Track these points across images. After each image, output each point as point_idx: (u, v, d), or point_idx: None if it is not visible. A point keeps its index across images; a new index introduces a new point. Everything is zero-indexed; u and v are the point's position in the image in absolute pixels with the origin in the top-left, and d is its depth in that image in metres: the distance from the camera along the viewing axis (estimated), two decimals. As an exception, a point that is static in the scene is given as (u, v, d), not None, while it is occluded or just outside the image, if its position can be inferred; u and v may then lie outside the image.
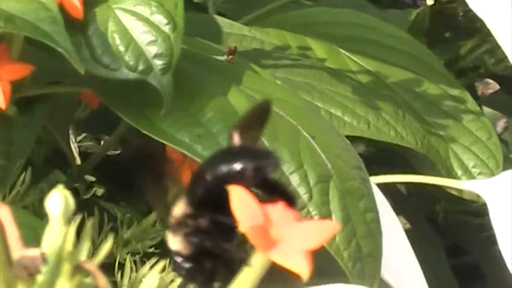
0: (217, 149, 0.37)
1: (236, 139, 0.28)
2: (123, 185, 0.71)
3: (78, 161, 0.67)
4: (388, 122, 0.60)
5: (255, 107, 0.29)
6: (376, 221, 0.48)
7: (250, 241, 0.23)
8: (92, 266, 0.27)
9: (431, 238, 0.97)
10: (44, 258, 0.25)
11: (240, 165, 0.26)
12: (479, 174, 0.63)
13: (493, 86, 1.24)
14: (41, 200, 0.57)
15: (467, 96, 0.66)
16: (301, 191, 0.47)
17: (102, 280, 0.26)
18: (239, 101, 0.49)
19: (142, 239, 0.52)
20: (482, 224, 0.99)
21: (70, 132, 0.66)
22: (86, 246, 0.27)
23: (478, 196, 0.60)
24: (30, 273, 0.24)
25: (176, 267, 0.28)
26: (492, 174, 0.62)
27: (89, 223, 0.27)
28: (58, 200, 0.28)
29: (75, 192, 0.65)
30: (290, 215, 0.24)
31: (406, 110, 0.62)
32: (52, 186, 0.64)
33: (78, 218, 0.27)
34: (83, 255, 0.27)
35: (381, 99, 0.61)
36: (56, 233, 0.28)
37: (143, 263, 0.51)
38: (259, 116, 0.29)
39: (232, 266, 0.27)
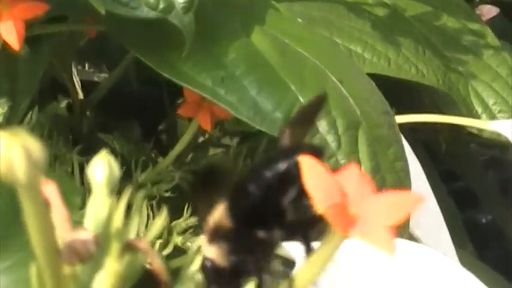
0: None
1: (286, 137, 0.26)
2: (114, 114, 0.68)
3: (81, 95, 0.64)
4: (408, 58, 0.57)
5: (310, 102, 0.26)
6: (405, 169, 0.46)
7: (328, 221, 0.21)
8: (144, 244, 0.24)
9: (427, 166, 0.96)
10: (97, 242, 0.22)
11: (285, 165, 0.23)
12: (499, 112, 0.60)
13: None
14: (42, 135, 0.54)
15: (487, 30, 0.63)
16: (330, 139, 0.44)
17: (157, 260, 0.24)
18: (262, 41, 0.46)
19: (158, 182, 0.50)
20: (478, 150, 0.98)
21: (72, 65, 0.63)
22: (136, 221, 0.25)
23: (499, 135, 0.58)
24: (82, 258, 0.22)
25: (205, 271, 0.25)
26: (512, 111, 0.60)
27: (140, 195, 0.25)
28: (101, 167, 0.26)
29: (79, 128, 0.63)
30: (367, 187, 0.22)
31: (425, 46, 0.59)
32: (51, 119, 0.61)
33: (128, 190, 0.25)
34: (133, 231, 0.25)
35: (400, 35, 0.58)
36: (100, 204, 0.25)
37: (159, 207, 0.49)
38: (312, 110, 0.27)
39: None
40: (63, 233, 0.22)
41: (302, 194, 0.23)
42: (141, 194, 0.25)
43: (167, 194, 0.50)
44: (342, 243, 0.22)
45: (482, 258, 0.77)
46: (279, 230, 0.24)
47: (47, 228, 0.21)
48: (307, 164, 0.21)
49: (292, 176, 0.23)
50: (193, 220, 0.49)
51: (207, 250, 0.25)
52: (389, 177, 0.44)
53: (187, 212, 0.49)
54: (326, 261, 0.23)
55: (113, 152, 0.57)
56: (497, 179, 0.95)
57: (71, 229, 0.22)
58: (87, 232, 0.22)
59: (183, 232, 0.48)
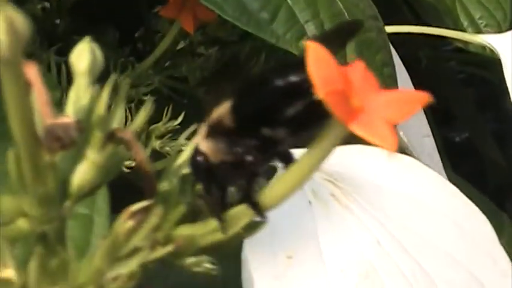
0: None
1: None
2: (90, 18, 0.66)
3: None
4: (395, -34, 0.55)
5: (342, 24, 0.24)
6: (393, 76, 0.44)
7: (328, 108, 0.19)
8: (128, 134, 0.23)
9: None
10: (79, 127, 0.21)
11: (298, 77, 0.22)
12: (485, 26, 0.59)
13: None
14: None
15: None
16: (316, 42, 0.43)
17: (142, 152, 0.23)
18: None
19: (136, 85, 0.48)
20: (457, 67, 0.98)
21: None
22: (120, 111, 0.24)
23: (484, 49, 0.57)
24: (63, 144, 0.21)
25: (194, 164, 0.24)
26: (499, 26, 0.59)
27: (124, 81, 0.24)
28: (85, 54, 0.24)
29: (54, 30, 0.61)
30: (373, 81, 0.21)
31: (414, -46, 0.58)
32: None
33: (113, 78, 0.24)
34: (116, 121, 0.24)
35: None
36: (82, 93, 0.24)
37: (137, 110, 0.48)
38: (342, 34, 0.25)
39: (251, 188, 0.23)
40: (44, 118, 0.21)
41: (309, 109, 0.22)
42: (126, 81, 0.24)
43: (146, 98, 0.49)
44: (340, 139, 0.21)
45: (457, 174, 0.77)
46: (278, 137, 0.23)
47: (28, 109, 0.20)
48: (313, 50, 0.20)
49: (304, 90, 0.21)
50: (172, 125, 0.48)
51: (202, 143, 0.24)
52: (376, 83, 0.43)
53: (166, 116, 0.48)
54: (322, 157, 0.22)
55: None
56: (475, 97, 0.95)
57: (52, 114, 0.21)
58: (69, 117, 0.21)
59: (161, 137, 0.47)
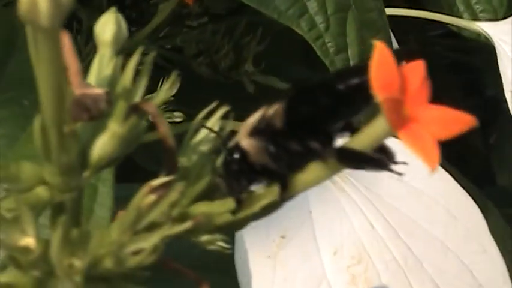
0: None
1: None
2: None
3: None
4: None
5: (410, 49, 0.24)
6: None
7: (383, 112, 0.20)
8: (152, 107, 0.23)
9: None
10: (108, 99, 0.21)
11: (358, 80, 0.22)
12: (482, 11, 0.59)
13: None
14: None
15: None
16: (318, 20, 0.43)
17: (164, 125, 0.23)
18: None
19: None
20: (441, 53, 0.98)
21: None
22: (143, 83, 0.24)
23: (479, 35, 0.57)
24: (91, 115, 0.20)
25: (231, 159, 0.24)
26: (495, 12, 0.59)
27: (150, 55, 0.23)
28: (109, 24, 0.24)
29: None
30: (427, 92, 0.21)
31: None
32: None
33: (139, 50, 0.23)
34: (139, 94, 0.24)
35: None
36: (105, 63, 0.24)
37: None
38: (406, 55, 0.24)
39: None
40: (74, 87, 0.20)
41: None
42: (152, 54, 0.23)
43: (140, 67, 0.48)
44: (382, 140, 0.21)
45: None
46: (325, 146, 0.23)
47: (60, 78, 0.19)
48: (380, 50, 0.20)
49: (363, 95, 0.21)
50: (167, 95, 0.47)
51: (244, 140, 0.23)
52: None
53: (161, 87, 0.47)
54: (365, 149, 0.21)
55: (80, 23, 0.55)
56: (460, 83, 0.95)
57: (82, 84, 0.20)
58: (99, 89, 0.21)
59: (158, 106, 0.47)
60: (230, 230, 0.24)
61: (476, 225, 0.41)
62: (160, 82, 0.48)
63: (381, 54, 0.19)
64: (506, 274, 0.41)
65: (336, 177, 0.40)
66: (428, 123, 0.20)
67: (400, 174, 0.22)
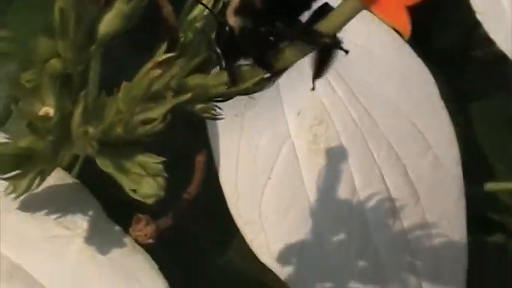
0: None
1: None
2: None
3: None
4: None
5: None
6: None
7: None
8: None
9: None
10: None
11: None
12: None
13: None
14: None
15: None
16: None
17: (167, 4, 0.25)
18: None
19: None
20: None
21: None
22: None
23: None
24: (108, 1, 0.23)
25: (220, 34, 0.26)
26: None
27: None
28: None
29: None
30: None
31: None
32: None
33: None
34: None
35: None
36: None
37: None
38: None
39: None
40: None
41: None
42: None
43: None
44: (355, 15, 0.24)
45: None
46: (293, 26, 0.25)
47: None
48: None
49: None
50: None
51: (230, 18, 0.25)
52: None
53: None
54: (338, 27, 0.24)
55: None
56: None
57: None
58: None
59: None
60: (225, 99, 0.27)
61: (428, 90, 0.44)
62: None
63: None
64: (454, 137, 0.44)
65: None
66: None
67: (347, 52, 0.25)
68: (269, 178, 0.41)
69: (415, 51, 0.45)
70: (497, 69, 0.51)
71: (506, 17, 0.52)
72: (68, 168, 0.31)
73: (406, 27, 0.22)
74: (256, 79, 0.25)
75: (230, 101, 0.41)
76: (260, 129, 0.41)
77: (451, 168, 0.44)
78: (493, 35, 0.52)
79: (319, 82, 0.42)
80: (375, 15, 0.22)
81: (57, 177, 0.30)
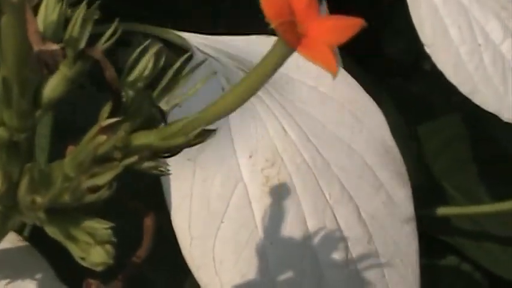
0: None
1: None
2: None
3: None
4: None
5: None
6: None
7: (280, 36, 0.23)
8: (99, 52, 0.25)
9: None
10: (65, 54, 0.23)
11: None
12: None
13: None
14: None
15: None
16: None
17: (111, 68, 0.25)
18: None
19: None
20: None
21: None
22: (88, 29, 0.26)
23: None
24: (50, 70, 0.23)
25: None
26: None
27: (95, 5, 0.25)
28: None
29: None
30: (314, 10, 0.24)
31: None
32: None
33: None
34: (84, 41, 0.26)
35: None
36: (50, 10, 0.26)
37: None
38: None
39: None
40: (34, 44, 0.22)
41: None
42: (96, 4, 0.25)
43: None
44: (286, 59, 0.24)
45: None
46: None
47: (23, 38, 0.21)
48: None
49: None
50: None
51: None
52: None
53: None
54: (267, 76, 0.24)
55: None
56: None
57: (40, 41, 0.22)
58: (55, 45, 0.23)
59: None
60: (171, 155, 0.27)
61: (379, 128, 0.45)
62: None
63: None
64: (406, 174, 0.45)
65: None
66: (322, 34, 0.23)
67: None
68: (222, 221, 0.41)
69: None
70: (446, 82, 0.52)
71: (454, 49, 0.53)
72: (19, 230, 0.31)
73: (333, 66, 0.23)
74: (198, 131, 0.25)
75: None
76: (212, 173, 0.41)
77: (403, 206, 0.44)
78: (441, 67, 0.53)
79: (271, 123, 0.43)
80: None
81: (7, 240, 0.30)
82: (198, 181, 0.41)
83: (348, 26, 0.23)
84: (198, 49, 0.43)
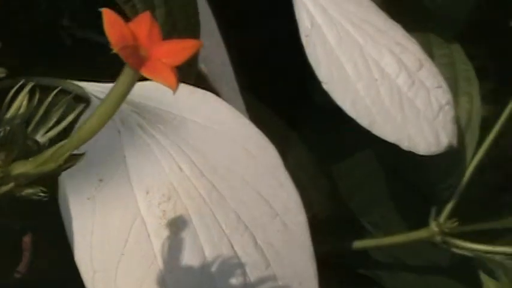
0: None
1: None
2: None
3: None
4: None
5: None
6: (196, 15, 0.50)
7: (124, 60, 0.26)
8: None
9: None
10: None
11: None
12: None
13: None
14: None
15: None
16: (127, -15, 0.48)
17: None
18: None
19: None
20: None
21: None
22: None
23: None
24: None
25: None
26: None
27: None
28: None
29: None
30: (156, 34, 0.27)
31: None
32: None
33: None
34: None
35: None
36: None
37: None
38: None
39: None
40: None
41: None
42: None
43: None
44: (135, 80, 0.27)
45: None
46: None
47: None
48: (107, 15, 0.26)
49: None
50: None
51: None
52: (180, 23, 0.49)
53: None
54: (123, 96, 0.28)
55: None
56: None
57: None
58: None
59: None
60: (47, 181, 0.30)
61: (272, 163, 0.48)
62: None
63: (109, 18, 0.25)
64: (301, 204, 0.47)
65: (147, 125, 0.46)
66: (163, 55, 0.27)
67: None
68: (122, 254, 0.43)
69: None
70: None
71: (351, 84, 0.56)
72: None
73: (173, 83, 0.26)
74: (66, 156, 0.28)
75: (82, 186, 0.44)
76: (111, 209, 0.44)
77: (299, 233, 0.47)
78: (340, 103, 0.56)
79: (166, 162, 0.46)
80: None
81: None
82: (99, 218, 0.44)
83: (185, 48, 0.27)
84: (95, 96, 0.46)
